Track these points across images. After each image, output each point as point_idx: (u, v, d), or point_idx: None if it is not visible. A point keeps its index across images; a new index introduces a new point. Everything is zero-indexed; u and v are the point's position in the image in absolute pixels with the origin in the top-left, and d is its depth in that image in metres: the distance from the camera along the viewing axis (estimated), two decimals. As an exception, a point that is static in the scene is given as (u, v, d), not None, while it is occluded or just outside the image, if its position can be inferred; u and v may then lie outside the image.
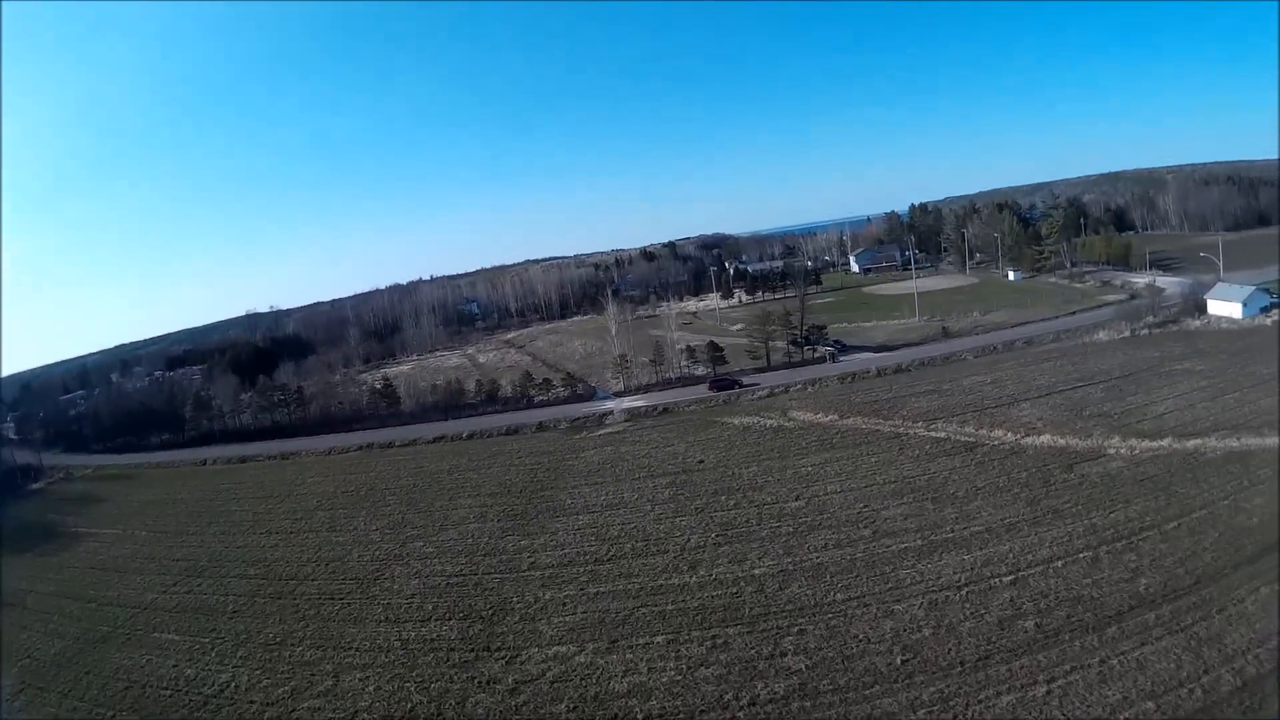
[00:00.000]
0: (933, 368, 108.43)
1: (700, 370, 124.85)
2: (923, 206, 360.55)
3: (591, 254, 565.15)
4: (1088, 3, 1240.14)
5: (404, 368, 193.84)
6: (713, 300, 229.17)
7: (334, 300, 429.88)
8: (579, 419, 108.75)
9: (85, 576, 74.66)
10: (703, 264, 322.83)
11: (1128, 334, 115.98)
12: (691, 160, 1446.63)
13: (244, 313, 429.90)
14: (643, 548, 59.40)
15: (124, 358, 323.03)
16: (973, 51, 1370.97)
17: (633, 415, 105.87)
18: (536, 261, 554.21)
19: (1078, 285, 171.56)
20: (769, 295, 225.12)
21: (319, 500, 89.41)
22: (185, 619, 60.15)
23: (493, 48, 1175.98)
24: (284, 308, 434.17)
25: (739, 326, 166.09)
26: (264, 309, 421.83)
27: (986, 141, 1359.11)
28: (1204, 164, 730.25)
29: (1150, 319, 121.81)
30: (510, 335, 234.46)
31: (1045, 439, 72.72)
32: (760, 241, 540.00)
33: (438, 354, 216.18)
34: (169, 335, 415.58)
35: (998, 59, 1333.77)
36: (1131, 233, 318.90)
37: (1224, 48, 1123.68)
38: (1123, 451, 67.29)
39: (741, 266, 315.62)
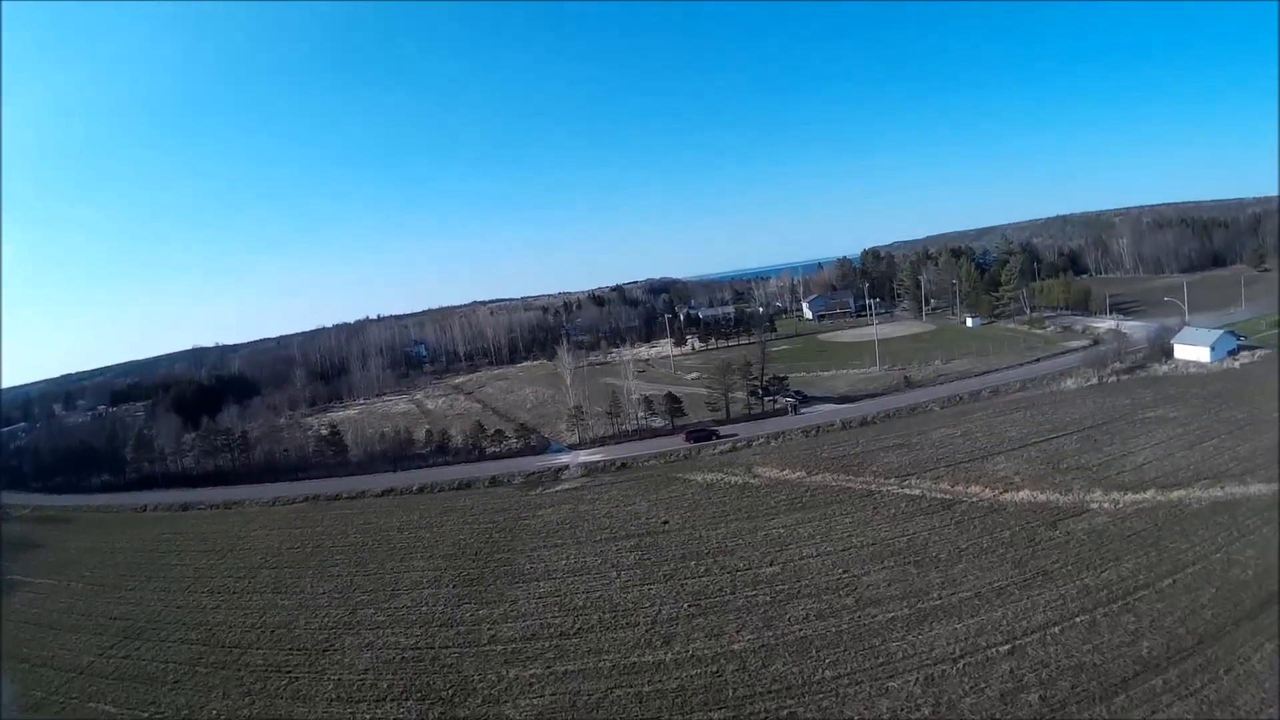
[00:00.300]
0: (899, 420, 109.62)
1: (658, 422, 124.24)
2: (874, 252, 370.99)
3: (538, 296, 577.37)
4: (1033, 50, 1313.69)
5: (351, 412, 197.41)
6: (665, 347, 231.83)
7: (280, 337, 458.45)
8: (533, 473, 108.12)
9: (20, 633, 71.94)
10: (653, 309, 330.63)
11: (1095, 381, 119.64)
12: (638, 205, 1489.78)
13: (190, 346, 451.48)
14: (611, 620, 57.39)
15: (69, 388, 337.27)
16: (919, 97, 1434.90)
17: (590, 470, 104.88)
18: (484, 303, 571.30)
19: (1038, 331, 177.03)
20: (722, 342, 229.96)
21: (263, 557, 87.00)
22: (124, 689, 57.28)
23: (441, 87, 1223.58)
24: (230, 343, 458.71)
25: (694, 375, 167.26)
26: (210, 344, 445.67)
27: (934, 186, 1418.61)
28: (1153, 206, 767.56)
29: (1117, 365, 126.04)
30: (459, 380, 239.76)
31: (1025, 495, 73.39)
32: (708, 286, 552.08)
33: (385, 398, 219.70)
34: (114, 367, 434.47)
35: (944, 105, 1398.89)
36: (1085, 276, 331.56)
37: (1171, 91, 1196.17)
38: (1106, 506, 68.30)
39: (692, 312, 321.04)
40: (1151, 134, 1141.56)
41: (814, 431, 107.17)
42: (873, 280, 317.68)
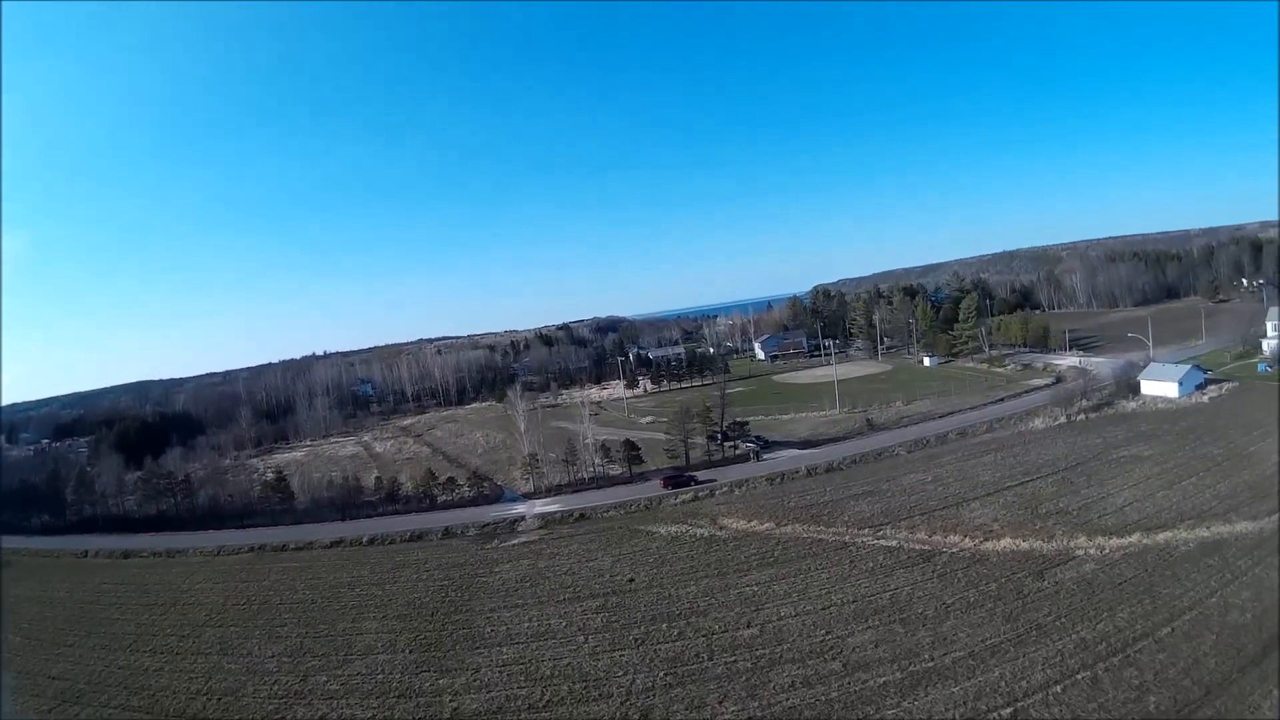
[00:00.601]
0: (865, 465, 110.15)
1: (616, 469, 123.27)
2: (825, 291, 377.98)
3: (485, 334, 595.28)
4: (978, 90, 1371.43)
5: (297, 454, 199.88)
6: (617, 389, 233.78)
7: (226, 372, 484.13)
8: (488, 525, 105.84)
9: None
10: (602, 350, 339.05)
11: (1064, 420, 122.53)
12: (585, 244, 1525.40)
13: (136, 379, 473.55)
14: (582, 691, 55.18)
15: (13, 420, 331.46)
16: (864, 138, 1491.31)
17: (547, 522, 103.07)
18: (431, 341, 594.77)
19: (998, 370, 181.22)
20: (675, 384, 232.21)
21: (208, 613, 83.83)
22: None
23: (386, 126, 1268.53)
24: (177, 376, 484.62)
25: (649, 419, 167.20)
26: (156, 377, 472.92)
27: (880, 224, 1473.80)
28: (1099, 240, 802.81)
29: (1084, 403, 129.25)
30: (407, 422, 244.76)
31: (1006, 543, 73.80)
32: (656, 325, 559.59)
33: (332, 440, 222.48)
34: (59, 398, 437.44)
35: (890, 144, 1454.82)
36: (1039, 311, 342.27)
37: (1115, 127, 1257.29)
38: (1092, 552, 69.07)
39: (642, 353, 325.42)
40: (1098, 169, 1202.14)
41: (779, 479, 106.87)
42: (824, 319, 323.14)
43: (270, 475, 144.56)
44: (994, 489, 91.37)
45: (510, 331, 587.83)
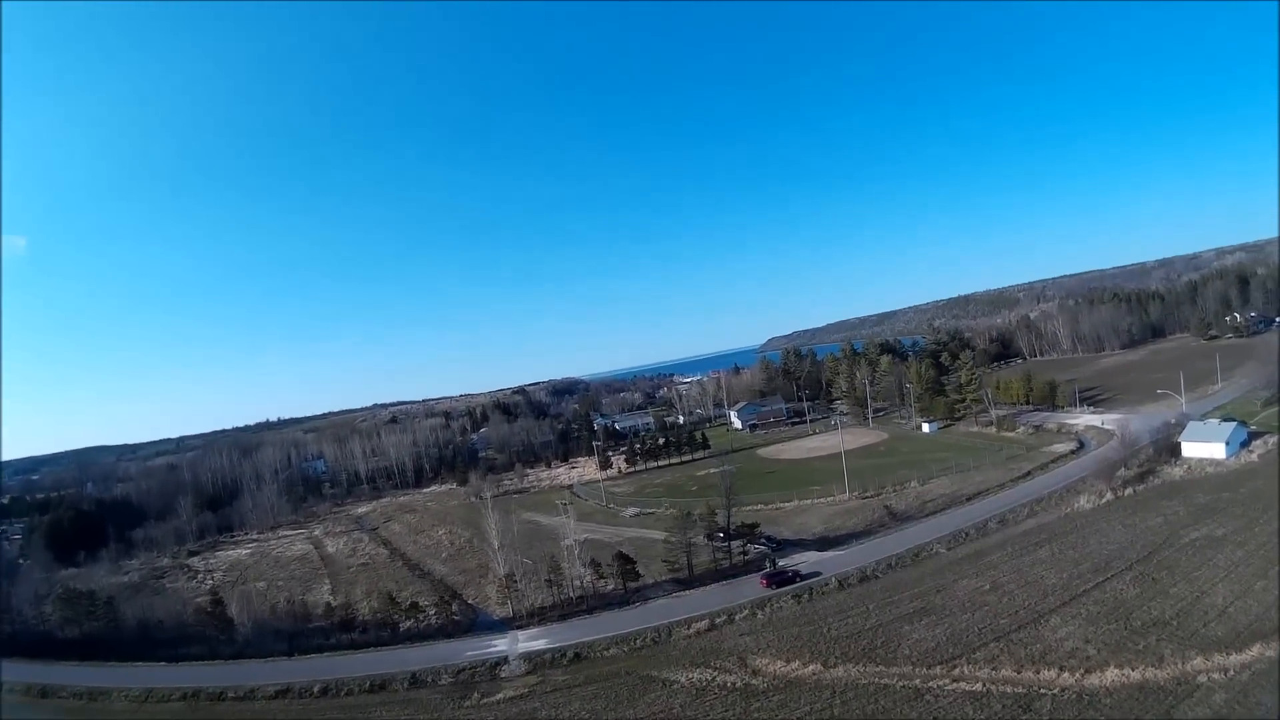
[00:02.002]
0: (904, 570, 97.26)
1: (607, 585, 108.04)
2: (796, 351, 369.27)
3: (440, 399, 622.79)
4: (924, 134, 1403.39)
5: (243, 553, 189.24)
6: (588, 467, 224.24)
7: (181, 438, 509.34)
8: (464, 670, 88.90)
9: None
10: (568, 424, 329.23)
11: (1110, 496, 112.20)
12: (536, 304, 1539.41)
13: (86, 445, 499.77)
14: None
15: None
16: (811, 188, 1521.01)
17: (535, 664, 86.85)
18: (385, 406, 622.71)
19: (1009, 435, 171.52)
20: (652, 462, 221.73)
21: None
22: None
23: (349, 184, 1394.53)
24: (129, 442, 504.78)
25: (634, 511, 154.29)
26: (108, 443, 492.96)
27: (831, 273, 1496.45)
28: (1055, 279, 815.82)
29: (1125, 473, 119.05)
30: (362, 509, 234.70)
31: (1113, 675, 61.79)
32: (614, 386, 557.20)
33: (281, 534, 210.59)
34: (11, 462, 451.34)
35: (837, 194, 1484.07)
36: (1019, 360, 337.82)
37: (1061, 167, 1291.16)
38: (1215, 676, 58.80)
39: (610, 423, 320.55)
40: (1050, 209, 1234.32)
41: (806, 595, 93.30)
42: (799, 382, 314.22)
43: (206, 598, 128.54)
44: (1068, 596, 79.60)
45: (465, 396, 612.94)
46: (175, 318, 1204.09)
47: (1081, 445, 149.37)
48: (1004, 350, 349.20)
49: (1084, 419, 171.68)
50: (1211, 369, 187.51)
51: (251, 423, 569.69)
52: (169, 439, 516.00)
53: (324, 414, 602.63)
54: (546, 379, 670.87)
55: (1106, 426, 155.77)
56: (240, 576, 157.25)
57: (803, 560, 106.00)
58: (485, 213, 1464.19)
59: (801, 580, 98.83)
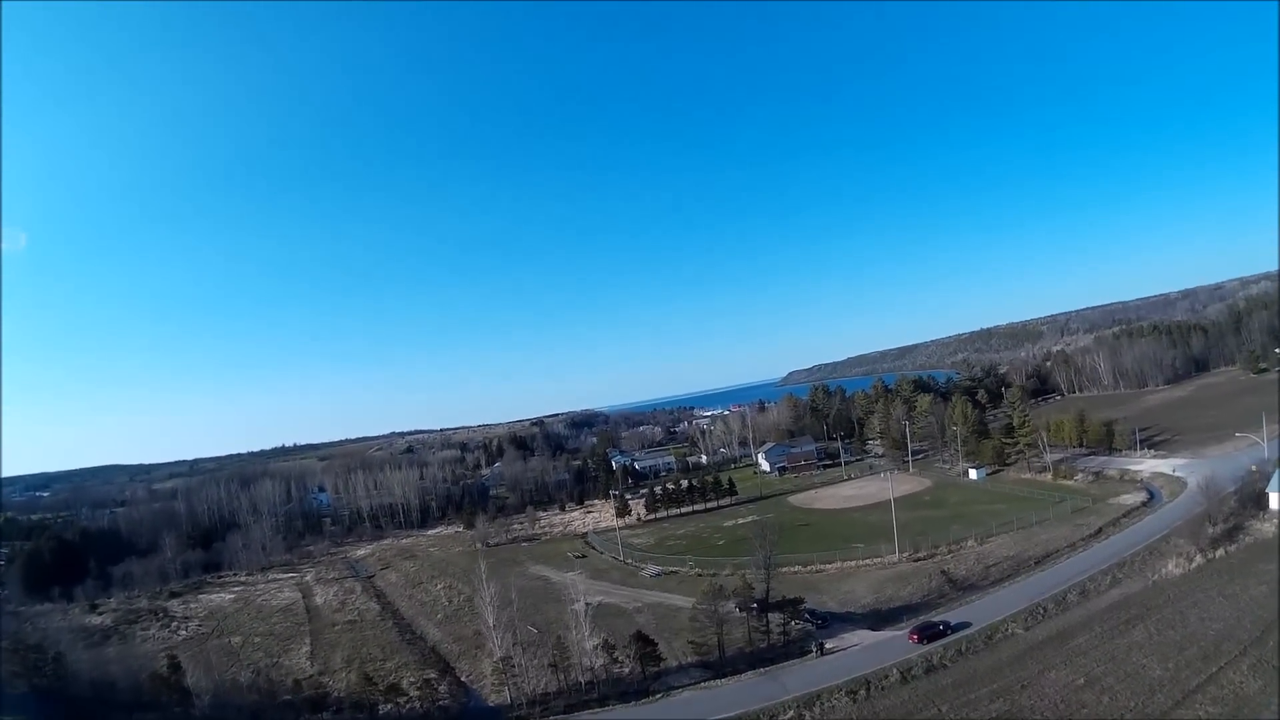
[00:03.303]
0: (976, 657, 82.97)
1: (625, 669, 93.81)
2: (825, 388, 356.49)
3: (458, 429, 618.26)
4: (948, 171, 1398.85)
5: (226, 597, 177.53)
6: (605, 511, 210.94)
7: (195, 460, 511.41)
8: None
9: None
10: (584, 464, 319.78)
11: (1199, 559, 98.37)
12: (557, 334, 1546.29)
13: (104, 463, 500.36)
14: None
15: None
16: (833, 222, 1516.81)
17: None
18: (402, 435, 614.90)
19: (1067, 483, 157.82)
20: (674, 509, 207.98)
21: None
22: None
23: (368, 209, 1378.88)
24: (145, 462, 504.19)
25: (656, 571, 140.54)
26: (126, 461, 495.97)
27: (852, 307, 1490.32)
28: (1078, 310, 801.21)
29: (1210, 530, 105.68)
30: (361, 552, 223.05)
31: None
32: (634, 419, 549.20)
33: (271, 576, 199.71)
34: (26, 477, 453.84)
35: (858, 228, 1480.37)
36: (1057, 396, 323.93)
37: (1088, 196, 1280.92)
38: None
39: (628, 462, 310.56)
40: (1072, 242, 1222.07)
41: (863, 689, 79.33)
42: (827, 420, 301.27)
43: (164, 665, 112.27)
44: (1179, 693, 66.10)
45: (484, 426, 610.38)
46: (198, 336, 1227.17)
47: (1152, 496, 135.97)
48: (1041, 386, 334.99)
49: (1147, 464, 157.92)
50: (1269, 405, 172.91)
51: (267, 447, 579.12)
52: (183, 460, 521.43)
53: (340, 441, 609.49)
54: (566, 411, 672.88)
55: (1177, 474, 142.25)
56: (217, 627, 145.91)
57: (855, 642, 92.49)
58: (508, 239, 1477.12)
59: (953, 633, 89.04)
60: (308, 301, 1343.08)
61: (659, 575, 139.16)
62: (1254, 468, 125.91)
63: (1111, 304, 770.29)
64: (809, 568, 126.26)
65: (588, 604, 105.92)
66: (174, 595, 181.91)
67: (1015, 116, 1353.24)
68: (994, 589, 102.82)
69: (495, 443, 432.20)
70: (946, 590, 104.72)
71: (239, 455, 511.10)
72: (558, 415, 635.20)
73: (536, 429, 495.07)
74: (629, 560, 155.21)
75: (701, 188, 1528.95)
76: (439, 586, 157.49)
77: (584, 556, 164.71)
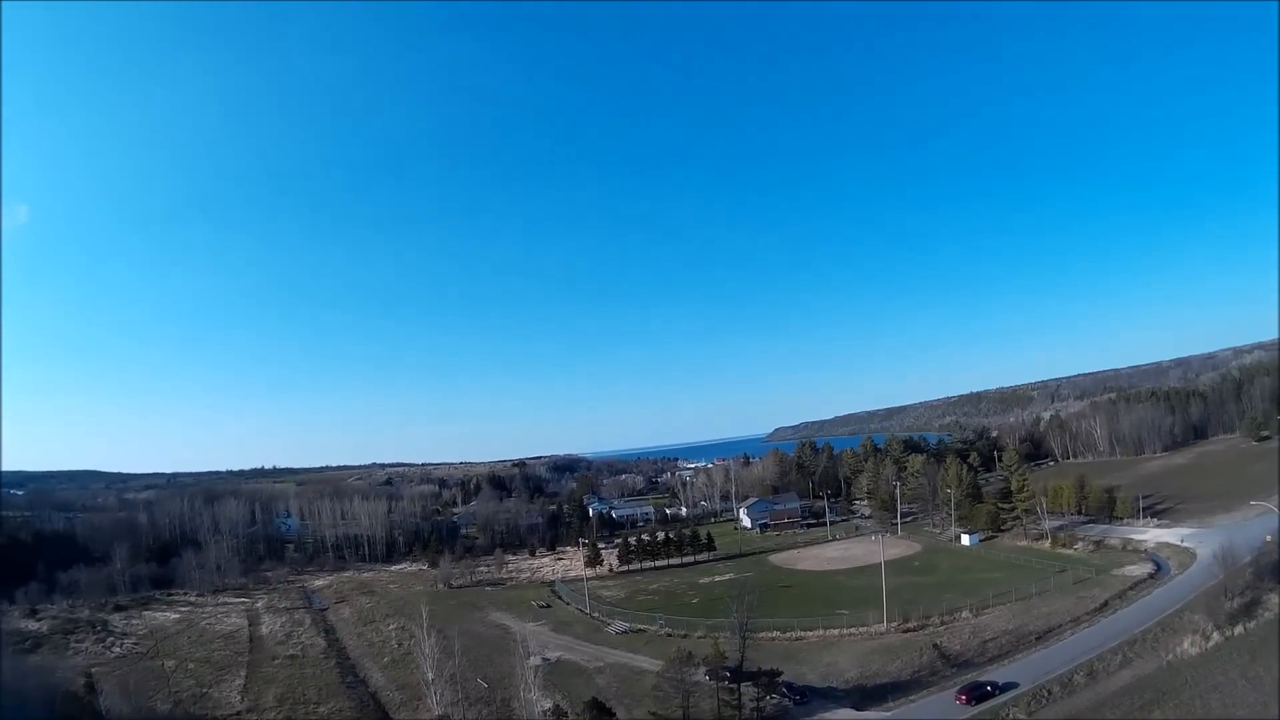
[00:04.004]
0: (971, 745, 74.59)
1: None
2: (811, 444, 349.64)
3: (440, 464, 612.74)
4: (936, 234, 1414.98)
5: (173, 616, 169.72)
6: (576, 559, 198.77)
7: (174, 474, 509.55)
8: None
9: None
10: (559, 508, 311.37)
11: (1217, 637, 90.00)
12: (550, 377, 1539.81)
13: (82, 468, 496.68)
14: None
15: None
16: (822, 282, 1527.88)
17: None
18: (383, 466, 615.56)
19: (1066, 551, 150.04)
20: (648, 561, 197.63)
21: None
22: None
23: (359, 239, 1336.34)
24: (125, 471, 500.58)
25: (623, 628, 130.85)
26: (106, 469, 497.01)
27: (840, 366, 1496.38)
28: (1069, 377, 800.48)
29: (1226, 604, 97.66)
30: (319, 582, 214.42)
31: None
32: (617, 467, 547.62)
33: (221, 600, 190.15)
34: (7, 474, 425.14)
35: (847, 289, 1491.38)
36: (1051, 462, 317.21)
37: (1081, 263, 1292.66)
38: None
39: (605, 510, 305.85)
40: (1064, 308, 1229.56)
41: (845, 782, 70.73)
42: (813, 477, 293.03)
43: (80, 685, 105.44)
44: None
45: (465, 464, 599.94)
46: (191, 349, 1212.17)
47: (1159, 567, 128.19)
48: (1035, 451, 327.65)
49: (1151, 533, 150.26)
50: (1276, 473, 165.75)
51: (246, 468, 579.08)
52: (162, 473, 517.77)
53: (321, 467, 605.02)
54: (549, 454, 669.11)
55: (1185, 544, 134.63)
56: (153, 648, 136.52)
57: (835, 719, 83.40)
58: (496, 283, 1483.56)
59: (1001, 693, 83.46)
60: (302, 323, 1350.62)
61: (626, 632, 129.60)
62: (1269, 537, 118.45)
63: (1103, 371, 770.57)
64: (788, 634, 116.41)
65: (545, 659, 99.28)
66: (119, 609, 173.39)
67: (1009, 189, 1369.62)
68: (991, 666, 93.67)
69: (474, 481, 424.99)
70: (939, 667, 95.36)
71: (218, 473, 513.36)
72: (541, 458, 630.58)
73: (517, 470, 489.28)
74: (595, 614, 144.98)
75: (692, 245, 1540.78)
76: (391, 627, 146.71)
77: (549, 606, 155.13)
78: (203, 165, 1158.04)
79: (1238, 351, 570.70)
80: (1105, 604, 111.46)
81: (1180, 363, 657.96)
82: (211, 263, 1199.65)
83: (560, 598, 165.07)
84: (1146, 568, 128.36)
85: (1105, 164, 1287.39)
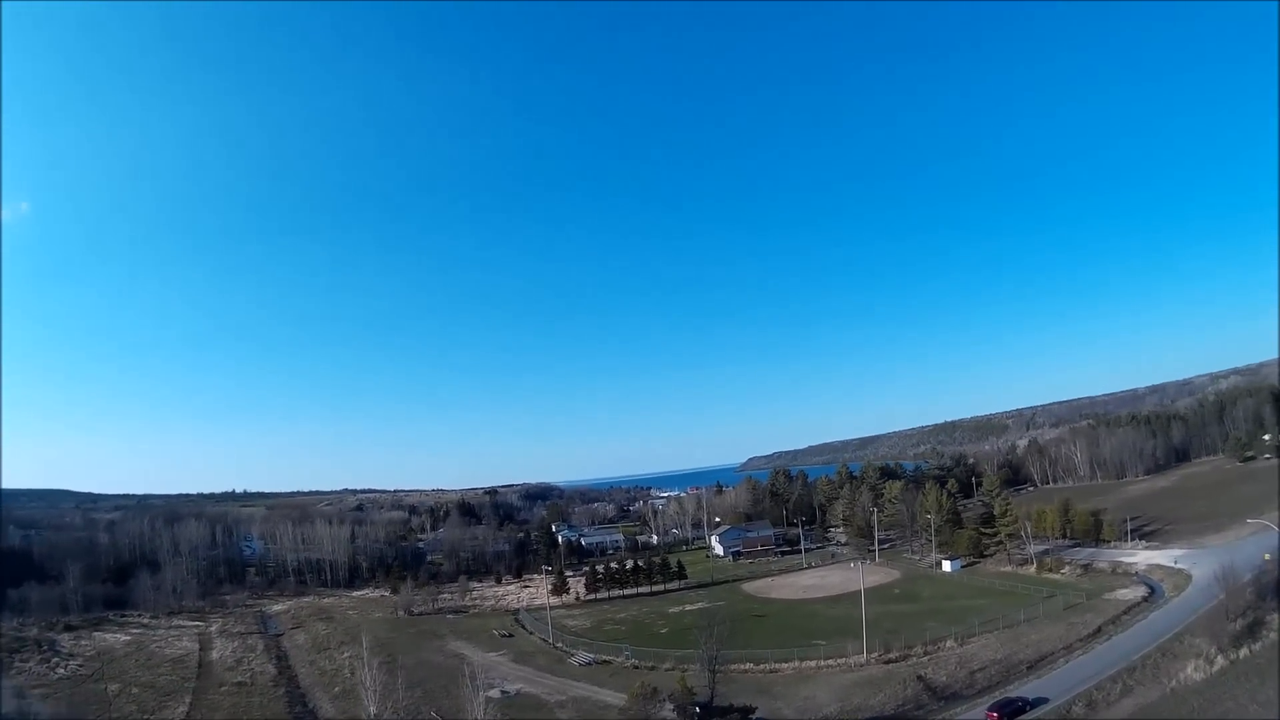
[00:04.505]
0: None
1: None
2: (785, 472, 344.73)
3: (411, 490, 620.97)
4: (912, 259, 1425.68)
5: (123, 637, 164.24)
6: (542, 588, 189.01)
7: (144, 495, 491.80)
8: None
9: None
10: (526, 535, 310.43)
11: (1222, 661, 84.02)
12: (519, 407, 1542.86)
13: (48, 486, 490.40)
14: None
15: None
16: (799, 311, 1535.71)
17: None
18: (354, 492, 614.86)
19: (1053, 576, 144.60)
20: (616, 590, 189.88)
21: None
22: None
23: (330, 263, 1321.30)
24: (94, 491, 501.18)
25: (587, 660, 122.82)
26: (74, 488, 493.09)
27: (814, 396, 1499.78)
28: (1045, 405, 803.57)
29: (1229, 626, 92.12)
30: (278, 607, 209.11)
31: None
32: (589, 496, 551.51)
33: (175, 622, 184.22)
34: None
35: (820, 316, 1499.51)
36: (1031, 487, 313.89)
37: (1056, 291, 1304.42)
38: None
39: (574, 538, 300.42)
40: (1040, 336, 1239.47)
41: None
42: (787, 505, 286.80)
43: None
44: None
45: (438, 491, 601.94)
46: (159, 371, 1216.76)
47: (1153, 590, 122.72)
48: (1014, 476, 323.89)
49: (1141, 555, 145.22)
50: (1265, 493, 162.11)
51: (216, 490, 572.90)
52: (133, 494, 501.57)
53: (292, 492, 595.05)
54: (521, 481, 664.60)
55: (1178, 566, 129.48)
56: (98, 670, 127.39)
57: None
58: (472, 310, 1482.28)
59: (1032, 709, 79.33)
60: (280, 348, 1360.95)
61: (590, 664, 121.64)
62: (1268, 556, 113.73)
63: (1079, 399, 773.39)
64: (762, 666, 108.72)
65: (504, 692, 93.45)
66: (69, 628, 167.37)
67: (981, 224, 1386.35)
68: (981, 699, 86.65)
69: (444, 508, 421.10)
70: (925, 700, 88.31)
71: (189, 495, 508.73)
72: (513, 485, 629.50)
73: (489, 497, 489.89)
74: (559, 644, 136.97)
75: (665, 274, 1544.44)
76: (346, 655, 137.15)
77: (511, 636, 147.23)
78: (174, 188, 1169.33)
79: (1214, 377, 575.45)
80: (1099, 630, 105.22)
81: (1156, 389, 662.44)
82: (198, 287, 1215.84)
83: (524, 626, 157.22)
84: (1139, 591, 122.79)
85: (1075, 198, 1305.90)
